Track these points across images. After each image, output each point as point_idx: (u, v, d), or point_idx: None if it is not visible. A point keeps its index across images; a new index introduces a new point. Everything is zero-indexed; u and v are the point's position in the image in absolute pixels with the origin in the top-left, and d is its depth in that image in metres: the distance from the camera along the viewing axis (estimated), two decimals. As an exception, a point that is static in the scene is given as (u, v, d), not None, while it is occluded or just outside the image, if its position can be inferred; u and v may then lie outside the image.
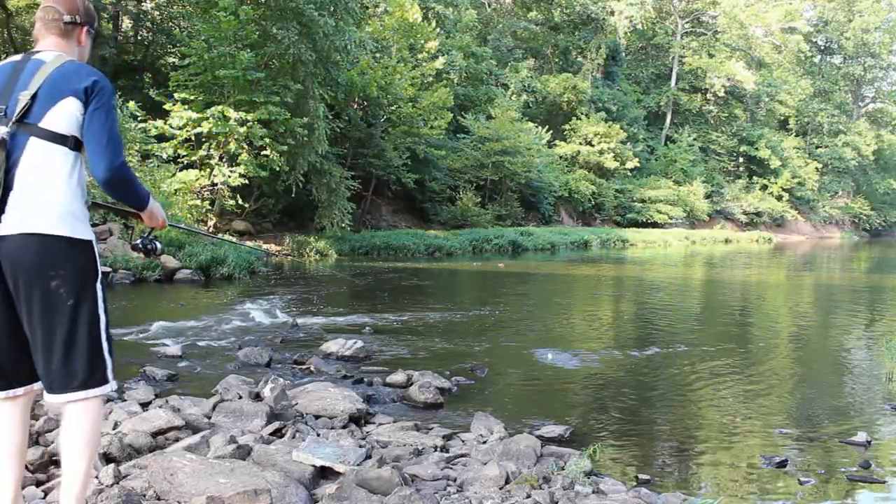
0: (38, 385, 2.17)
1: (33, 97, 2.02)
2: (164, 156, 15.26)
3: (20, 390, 2.13)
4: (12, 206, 1.99)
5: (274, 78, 16.25)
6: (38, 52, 2.15)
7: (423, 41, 25.71)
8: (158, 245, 2.66)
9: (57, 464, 2.95)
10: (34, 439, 3.47)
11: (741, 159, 50.67)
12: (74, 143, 2.07)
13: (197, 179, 15.52)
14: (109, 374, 2.14)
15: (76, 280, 2.06)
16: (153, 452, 3.02)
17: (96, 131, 2.05)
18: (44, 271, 2.00)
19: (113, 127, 2.09)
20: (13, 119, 2.01)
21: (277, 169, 16.22)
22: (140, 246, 2.62)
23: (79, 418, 2.09)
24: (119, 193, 2.15)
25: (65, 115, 2.04)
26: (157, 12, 21.27)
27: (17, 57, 2.15)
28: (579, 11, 38.41)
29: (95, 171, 2.06)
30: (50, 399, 2.10)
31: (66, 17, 2.18)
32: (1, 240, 1.99)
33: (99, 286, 2.13)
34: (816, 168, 51.72)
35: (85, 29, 2.24)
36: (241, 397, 4.19)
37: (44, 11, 2.18)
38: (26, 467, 2.78)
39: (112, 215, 10.04)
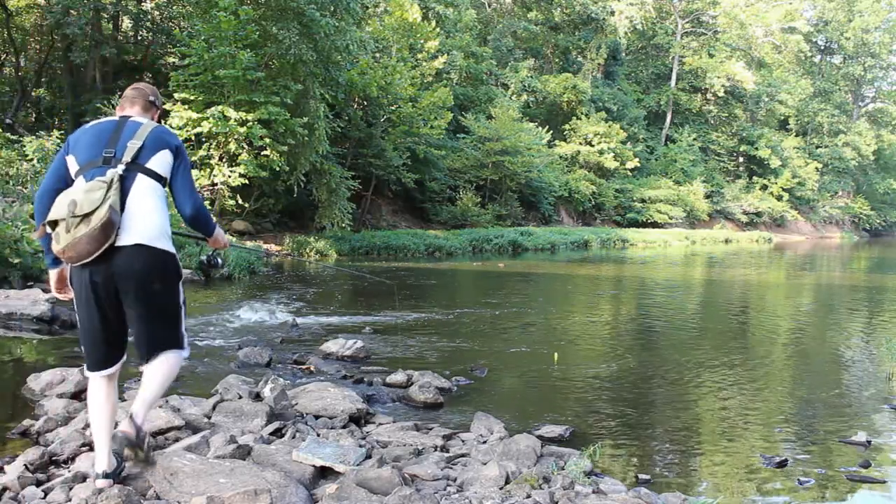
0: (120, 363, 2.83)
1: (142, 146, 2.71)
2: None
3: (114, 368, 2.77)
4: (127, 224, 2.60)
5: (274, 78, 16.25)
6: (130, 116, 2.86)
7: (423, 41, 25.70)
8: (220, 260, 3.51)
9: (56, 464, 3.07)
10: (35, 439, 3.48)
11: (741, 159, 50.72)
12: (164, 182, 2.78)
13: (197, 179, 15.51)
14: (186, 342, 2.87)
15: (170, 281, 2.75)
16: (153, 452, 3.02)
17: (185, 181, 2.83)
18: (149, 274, 2.65)
19: (192, 177, 2.90)
20: (126, 160, 2.67)
21: (278, 169, 16.20)
22: (205, 262, 3.52)
23: (165, 363, 2.77)
24: (197, 225, 2.92)
25: (162, 161, 2.76)
26: (157, 12, 21.26)
27: (115, 117, 2.86)
28: (579, 11, 38.44)
29: (183, 209, 2.81)
30: (147, 367, 2.76)
31: (151, 97, 3.00)
32: (118, 249, 2.58)
33: (181, 284, 2.83)
34: (816, 168, 51.74)
35: (158, 112, 3.07)
36: (241, 397, 4.18)
37: (135, 90, 2.98)
38: (26, 467, 2.91)
39: None
